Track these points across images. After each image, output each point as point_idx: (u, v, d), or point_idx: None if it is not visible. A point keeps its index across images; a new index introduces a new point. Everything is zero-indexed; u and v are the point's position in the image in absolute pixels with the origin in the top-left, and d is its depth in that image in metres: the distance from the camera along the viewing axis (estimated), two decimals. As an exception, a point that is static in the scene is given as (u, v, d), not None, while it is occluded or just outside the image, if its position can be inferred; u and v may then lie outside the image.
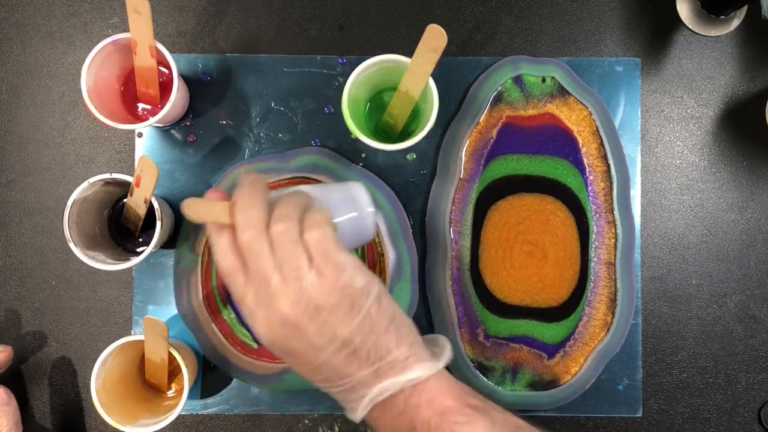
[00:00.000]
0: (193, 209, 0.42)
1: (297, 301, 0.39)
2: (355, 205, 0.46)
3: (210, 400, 0.60)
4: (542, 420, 0.61)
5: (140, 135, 0.61)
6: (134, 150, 0.61)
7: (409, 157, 0.61)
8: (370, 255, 0.60)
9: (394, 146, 0.53)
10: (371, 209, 0.47)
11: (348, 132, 0.60)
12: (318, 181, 0.60)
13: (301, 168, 0.60)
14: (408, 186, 0.61)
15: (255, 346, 0.59)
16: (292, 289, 0.39)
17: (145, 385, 0.59)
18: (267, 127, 0.61)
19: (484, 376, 0.59)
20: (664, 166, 0.62)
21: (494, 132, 0.60)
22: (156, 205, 0.53)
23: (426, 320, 0.61)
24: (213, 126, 0.61)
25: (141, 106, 0.58)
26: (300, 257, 0.39)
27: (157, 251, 0.60)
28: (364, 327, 0.40)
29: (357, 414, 0.42)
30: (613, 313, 0.59)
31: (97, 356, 0.53)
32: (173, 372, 0.59)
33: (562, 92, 0.60)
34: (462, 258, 0.60)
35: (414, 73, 0.52)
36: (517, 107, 0.60)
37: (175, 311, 0.60)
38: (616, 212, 0.60)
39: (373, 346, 0.40)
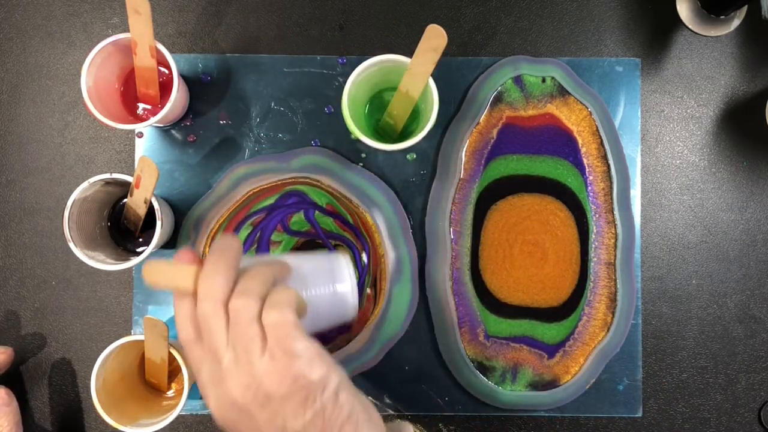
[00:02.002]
0: (154, 274, 0.38)
1: (247, 386, 0.37)
2: (335, 278, 0.43)
3: (210, 400, 0.60)
4: (542, 420, 0.61)
5: (140, 135, 0.61)
6: (134, 150, 0.61)
7: (409, 157, 0.61)
8: (371, 255, 0.60)
9: (394, 146, 0.53)
10: (353, 286, 0.43)
11: (348, 132, 0.60)
12: (318, 181, 0.60)
13: (301, 168, 0.60)
14: (408, 186, 0.61)
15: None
16: (243, 372, 0.37)
17: (145, 385, 0.59)
18: (267, 127, 0.61)
19: (484, 376, 0.59)
20: (664, 166, 0.62)
21: (494, 132, 0.60)
22: (156, 205, 0.53)
23: (426, 320, 0.61)
24: (213, 126, 0.61)
25: (141, 106, 0.58)
26: (254, 339, 0.37)
27: (157, 251, 0.60)
28: (317, 423, 0.37)
29: None
30: (613, 313, 0.59)
31: (97, 356, 0.53)
32: (173, 372, 0.59)
33: (562, 92, 0.60)
34: (462, 258, 0.60)
35: (414, 73, 0.52)
36: (517, 107, 0.60)
37: (175, 311, 0.60)
38: (616, 212, 0.60)
39: None
